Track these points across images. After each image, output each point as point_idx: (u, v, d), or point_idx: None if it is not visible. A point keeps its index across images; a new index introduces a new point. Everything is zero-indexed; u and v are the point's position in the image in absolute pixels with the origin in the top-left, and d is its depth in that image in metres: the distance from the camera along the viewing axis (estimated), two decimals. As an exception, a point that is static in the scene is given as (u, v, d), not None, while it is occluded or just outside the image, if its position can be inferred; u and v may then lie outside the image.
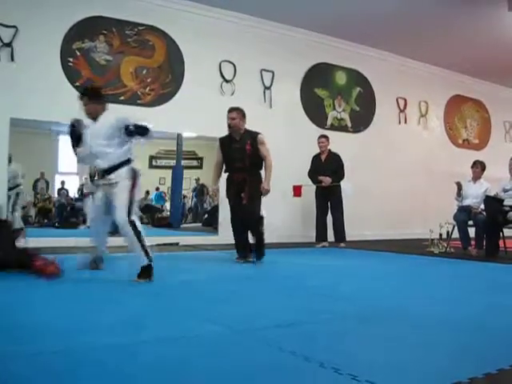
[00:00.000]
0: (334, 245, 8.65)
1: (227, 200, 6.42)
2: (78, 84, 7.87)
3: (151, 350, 2.40)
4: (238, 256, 6.34)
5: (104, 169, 4.73)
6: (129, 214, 4.55)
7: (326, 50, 10.33)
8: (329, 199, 8.79)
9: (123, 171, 4.68)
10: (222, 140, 6.34)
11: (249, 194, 6.10)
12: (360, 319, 3.19)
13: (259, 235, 6.18)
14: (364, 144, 10.62)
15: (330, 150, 8.89)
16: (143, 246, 4.51)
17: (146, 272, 4.50)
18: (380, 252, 7.87)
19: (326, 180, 8.62)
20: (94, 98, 4.91)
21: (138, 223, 4.59)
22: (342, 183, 8.67)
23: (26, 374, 2.04)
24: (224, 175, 6.47)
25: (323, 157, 8.88)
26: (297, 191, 8.84)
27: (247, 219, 6.19)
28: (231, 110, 6.24)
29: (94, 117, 4.85)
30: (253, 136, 6.17)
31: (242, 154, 6.12)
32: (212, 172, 6.54)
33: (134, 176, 4.70)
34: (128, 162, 4.74)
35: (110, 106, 7.84)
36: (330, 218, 8.87)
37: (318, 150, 8.94)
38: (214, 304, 3.62)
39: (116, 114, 4.92)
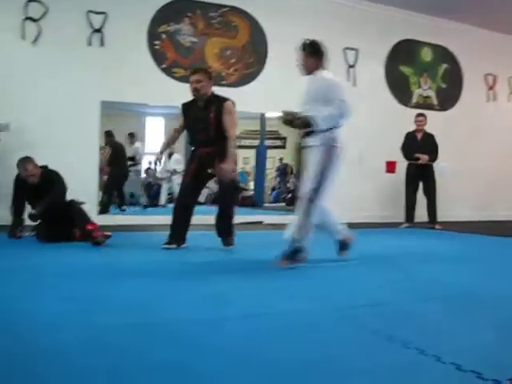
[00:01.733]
0: (427, 225, 8.49)
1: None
2: (164, 66, 8.07)
3: (234, 325, 2.48)
4: (169, 241, 5.17)
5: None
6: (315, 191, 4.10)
7: (411, 26, 10.08)
8: (421, 179, 8.62)
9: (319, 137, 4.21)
10: (185, 106, 5.38)
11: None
12: (447, 301, 3.15)
13: (231, 217, 5.32)
14: (450, 122, 10.32)
15: (425, 130, 8.70)
16: (300, 230, 4.10)
17: (289, 255, 4.11)
18: (467, 234, 7.68)
19: (424, 158, 8.41)
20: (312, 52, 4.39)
21: (317, 206, 4.11)
22: (440, 162, 8.43)
23: (118, 343, 2.15)
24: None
25: (419, 135, 8.68)
26: (390, 167, 8.60)
27: (222, 205, 5.34)
28: (195, 71, 5.32)
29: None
30: (219, 102, 5.17)
31: (205, 124, 5.14)
32: (167, 135, 5.57)
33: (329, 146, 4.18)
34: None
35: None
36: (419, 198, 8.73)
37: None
38: (296, 282, 3.66)
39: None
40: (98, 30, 7.59)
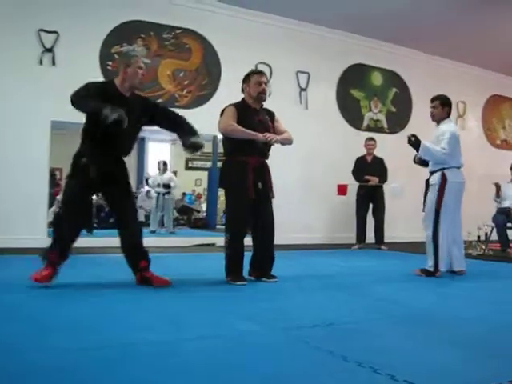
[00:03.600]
0: (374, 246, 8.62)
1: (232, 193, 4.67)
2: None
3: (190, 347, 2.45)
4: (239, 277, 4.55)
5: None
6: (434, 220, 5.21)
7: (362, 51, 10.29)
8: (371, 200, 8.77)
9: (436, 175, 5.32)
10: (239, 107, 4.72)
11: (270, 186, 4.76)
12: (399, 320, 3.20)
13: (273, 247, 4.78)
14: (400, 145, 10.45)
15: (375, 154, 8.88)
16: (435, 254, 5.18)
17: (425, 272, 5.22)
18: (416, 254, 7.80)
19: (374, 179, 8.60)
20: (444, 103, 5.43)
21: (440, 232, 5.18)
22: (392, 183, 8.58)
23: (77, 366, 2.13)
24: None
25: (369, 158, 8.89)
26: (342, 190, 8.72)
27: (268, 226, 4.72)
28: (261, 72, 4.89)
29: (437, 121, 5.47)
30: (270, 113, 4.90)
31: (266, 131, 4.65)
32: (233, 125, 4.60)
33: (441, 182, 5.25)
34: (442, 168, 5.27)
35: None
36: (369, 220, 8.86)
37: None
38: (251, 303, 3.66)
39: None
40: (50, 50, 7.50)
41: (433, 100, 5.47)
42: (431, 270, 5.16)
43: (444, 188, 5.20)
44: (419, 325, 3.08)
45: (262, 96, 4.74)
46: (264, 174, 4.72)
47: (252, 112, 4.73)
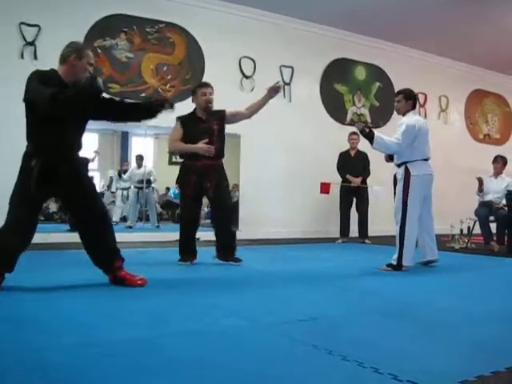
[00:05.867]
0: (358, 240, 8.66)
1: (183, 193, 5.49)
2: (99, 81, 7.95)
3: (174, 344, 2.44)
4: (184, 258, 5.34)
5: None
6: (402, 214, 5.23)
7: (346, 45, 10.32)
8: (355, 194, 8.81)
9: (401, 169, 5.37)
10: (184, 119, 5.39)
11: (217, 184, 5.30)
12: (383, 314, 3.20)
13: (233, 232, 5.55)
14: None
15: (358, 148, 8.91)
16: (400, 248, 5.18)
17: (390, 266, 5.19)
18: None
19: (356, 181, 8.67)
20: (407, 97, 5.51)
21: (407, 226, 5.18)
22: (374, 187, 8.62)
23: (59, 364, 2.11)
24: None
25: (353, 153, 8.93)
26: (324, 188, 8.71)
27: (224, 213, 5.42)
28: (208, 84, 5.45)
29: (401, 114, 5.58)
30: (220, 114, 5.43)
31: (210, 136, 5.26)
32: (175, 144, 5.41)
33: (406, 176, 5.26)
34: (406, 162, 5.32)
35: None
36: (353, 214, 8.90)
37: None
38: (236, 298, 3.65)
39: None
40: (31, 43, 7.43)
41: (397, 94, 5.61)
42: (394, 263, 5.19)
43: (409, 182, 5.24)
44: (403, 318, 3.09)
45: (208, 105, 5.33)
46: (209, 173, 5.26)
47: (197, 121, 5.34)
